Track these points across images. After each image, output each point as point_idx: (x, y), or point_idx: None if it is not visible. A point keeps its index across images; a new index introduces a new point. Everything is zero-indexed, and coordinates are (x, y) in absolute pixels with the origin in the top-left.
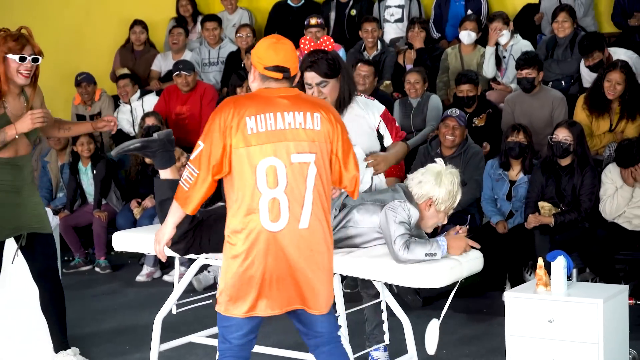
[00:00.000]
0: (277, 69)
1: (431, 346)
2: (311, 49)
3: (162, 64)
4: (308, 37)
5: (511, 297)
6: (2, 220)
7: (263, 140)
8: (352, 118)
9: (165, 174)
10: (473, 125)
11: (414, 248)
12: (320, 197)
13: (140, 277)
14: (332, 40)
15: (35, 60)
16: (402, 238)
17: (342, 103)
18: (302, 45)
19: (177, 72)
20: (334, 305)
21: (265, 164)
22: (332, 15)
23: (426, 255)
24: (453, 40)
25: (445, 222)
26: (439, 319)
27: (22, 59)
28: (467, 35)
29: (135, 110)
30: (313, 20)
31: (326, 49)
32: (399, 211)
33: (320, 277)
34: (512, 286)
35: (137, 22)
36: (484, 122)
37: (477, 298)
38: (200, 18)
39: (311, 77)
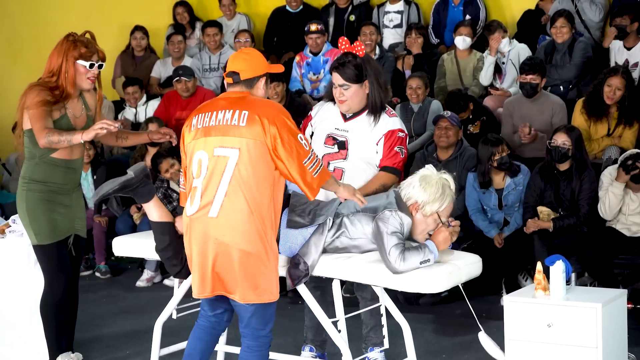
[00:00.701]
0: (228, 74)
1: (497, 353)
2: (344, 51)
3: (161, 70)
4: (345, 38)
5: (510, 301)
6: (58, 220)
7: (198, 135)
8: (364, 127)
9: (149, 207)
10: (468, 132)
11: (409, 257)
12: (242, 190)
13: (141, 282)
14: (363, 46)
15: (100, 66)
16: (397, 248)
17: (373, 110)
18: (339, 45)
19: (177, 78)
20: (332, 310)
21: (197, 156)
22: (331, 20)
23: (421, 263)
24: (452, 45)
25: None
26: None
27: (91, 66)
28: (462, 41)
29: (139, 115)
30: (313, 27)
31: (358, 53)
32: (390, 222)
33: (226, 266)
34: (509, 291)
35: (138, 28)
36: (479, 129)
37: (475, 302)
38: (198, 24)
39: (335, 78)
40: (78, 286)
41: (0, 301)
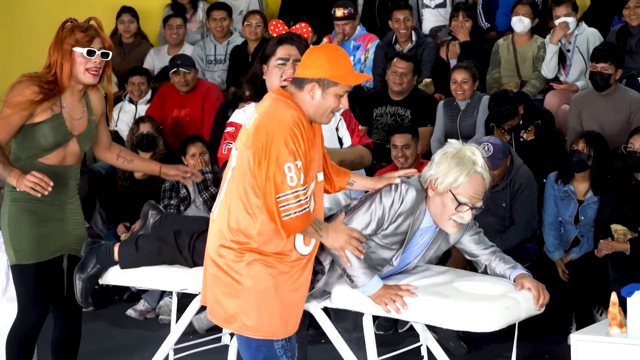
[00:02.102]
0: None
1: None
2: (284, 32)
3: (155, 60)
4: (280, 21)
5: (579, 340)
6: (45, 237)
7: None
8: None
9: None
10: (521, 140)
11: (355, 263)
12: (239, 195)
13: (133, 312)
14: (309, 29)
15: (105, 55)
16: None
17: None
18: (272, 28)
19: (175, 69)
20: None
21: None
22: (360, 0)
23: (348, 277)
24: (506, 31)
25: (459, 219)
26: None
27: (90, 53)
28: (519, 22)
29: (139, 113)
30: (339, 12)
31: (304, 36)
32: (388, 194)
33: (205, 275)
34: (579, 327)
35: (126, 10)
36: (534, 135)
37: (538, 342)
38: (201, 4)
39: (287, 50)
40: (81, 321)
41: None
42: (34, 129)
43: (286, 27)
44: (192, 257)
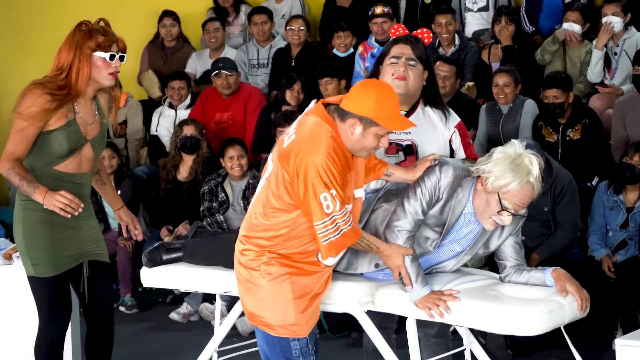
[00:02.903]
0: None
1: None
2: (404, 34)
3: (197, 64)
4: (402, 25)
5: (624, 345)
6: (62, 247)
7: None
8: (428, 123)
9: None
10: (567, 138)
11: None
12: (264, 200)
13: (176, 315)
14: (430, 34)
15: (122, 58)
16: (407, 235)
17: (436, 102)
18: (392, 31)
19: (217, 72)
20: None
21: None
22: (402, 3)
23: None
24: (548, 34)
25: (499, 221)
26: None
27: (112, 58)
28: (569, 28)
29: (179, 118)
30: (379, 9)
31: (424, 40)
32: (430, 174)
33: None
34: (625, 332)
35: (167, 14)
36: (580, 134)
37: (582, 348)
38: (243, 7)
39: (401, 49)
40: (112, 324)
41: (5, 337)
42: (48, 137)
43: (407, 31)
44: None
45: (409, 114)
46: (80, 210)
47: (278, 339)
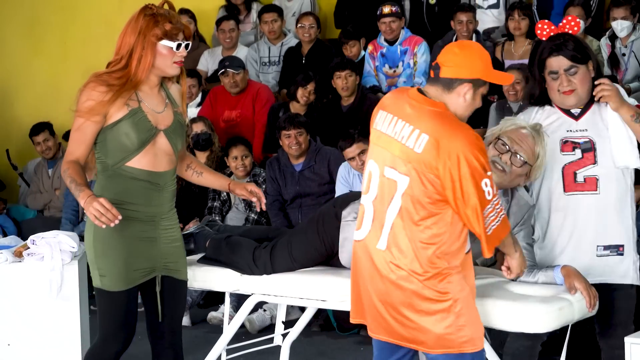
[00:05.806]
0: (433, 65)
1: None
2: (551, 34)
3: (209, 61)
4: (546, 21)
5: (633, 343)
6: (135, 261)
7: (375, 140)
8: (600, 120)
9: None
10: None
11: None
12: (412, 228)
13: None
14: (578, 21)
15: (187, 46)
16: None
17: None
18: (538, 32)
19: (223, 70)
20: None
21: (370, 166)
22: (407, 4)
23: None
24: None
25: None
26: None
27: (179, 47)
28: None
29: (190, 117)
30: (387, 8)
31: (570, 31)
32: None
33: (390, 312)
34: (635, 330)
35: (183, 12)
36: None
37: (589, 346)
38: (255, 5)
39: (557, 62)
40: (181, 352)
41: (15, 335)
42: (113, 130)
43: (553, 26)
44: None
45: (583, 113)
46: (117, 222)
47: (476, 354)
